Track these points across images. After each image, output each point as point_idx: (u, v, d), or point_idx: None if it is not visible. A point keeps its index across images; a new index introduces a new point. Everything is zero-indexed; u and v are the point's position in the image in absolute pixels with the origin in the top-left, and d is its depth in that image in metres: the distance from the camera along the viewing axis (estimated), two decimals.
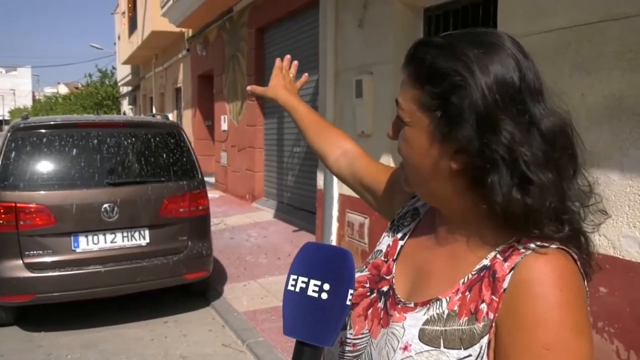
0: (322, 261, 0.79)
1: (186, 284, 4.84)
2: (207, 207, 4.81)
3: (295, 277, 0.79)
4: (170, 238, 4.55)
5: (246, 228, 7.89)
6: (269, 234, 7.47)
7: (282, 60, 1.41)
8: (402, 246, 0.94)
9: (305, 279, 0.78)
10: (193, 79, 13.17)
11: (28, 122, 4.46)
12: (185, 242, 4.61)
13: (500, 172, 0.73)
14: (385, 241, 0.98)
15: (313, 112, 1.31)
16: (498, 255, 0.77)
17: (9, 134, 4.34)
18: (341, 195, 5.41)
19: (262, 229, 7.81)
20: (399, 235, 0.96)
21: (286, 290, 0.79)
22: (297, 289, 0.78)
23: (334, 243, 5.60)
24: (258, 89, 1.38)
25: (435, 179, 0.80)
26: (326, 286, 0.76)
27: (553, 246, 0.74)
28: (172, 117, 15.84)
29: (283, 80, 1.36)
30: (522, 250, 0.74)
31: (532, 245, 0.74)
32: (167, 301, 5.00)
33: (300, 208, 7.98)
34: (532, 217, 0.74)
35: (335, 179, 5.46)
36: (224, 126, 10.87)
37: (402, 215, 0.99)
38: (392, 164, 4.54)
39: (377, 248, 0.98)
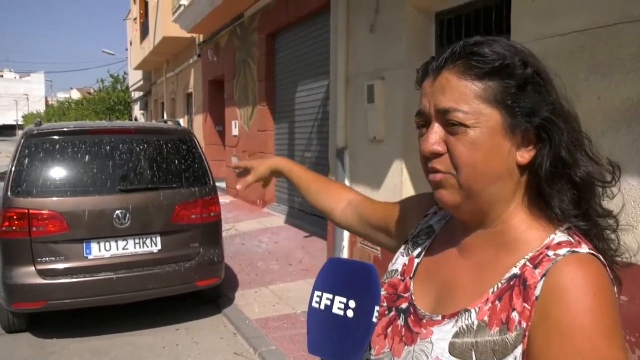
0: (347, 277, 0.77)
1: (197, 291, 4.83)
2: (219, 214, 4.80)
3: (320, 294, 0.77)
4: (182, 245, 4.55)
5: (257, 234, 7.88)
6: (281, 240, 7.46)
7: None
8: (418, 264, 0.92)
9: (331, 296, 0.76)
10: (204, 85, 13.22)
11: (41, 128, 4.49)
12: (197, 248, 4.60)
13: (572, 155, 0.77)
14: (400, 261, 0.96)
15: (308, 171, 1.32)
16: (528, 263, 0.75)
17: (22, 141, 4.37)
18: None
19: (273, 234, 7.80)
20: (415, 253, 0.94)
21: (311, 308, 0.77)
22: (322, 307, 0.76)
23: (345, 249, 5.56)
24: (250, 180, 1.35)
25: (500, 179, 0.78)
26: (352, 304, 0.75)
27: (583, 251, 0.73)
28: (183, 122, 15.91)
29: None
30: (553, 257, 0.73)
31: (563, 252, 0.73)
32: (179, 308, 4.99)
33: (312, 214, 7.95)
34: (582, 205, 0.78)
35: (347, 184, 5.43)
36: (235, 131, 10.89)
37: (415, 234, 0.97)
38: (404, 170, 4.50)
39: (392, 268, 0.96)
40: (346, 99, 5.24)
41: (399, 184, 4.55)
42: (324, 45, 6.32)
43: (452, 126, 0.77)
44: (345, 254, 5.58)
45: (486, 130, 0.76)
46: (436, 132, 0.79)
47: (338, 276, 0.78)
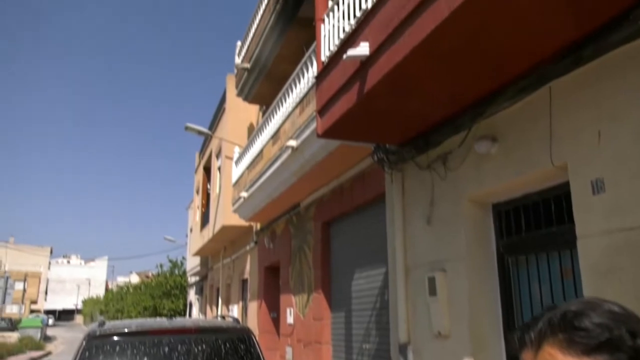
0: None
1: None
2: None
3: None
4: None
5: None
6: None
7: None
8: None
9: None
10: (260, 270, 13.42)
11: (104, 329, 4.52)
12: None
13: None
14: None
15: None
16: None
17: (84, 342, 4.38)
18: None
19: None
20: None
21: None
22: None
23: None
24: None
25: None
26: None
27: None
28: (237, 308, 15.86)
29: None
30: None
31: None
32: None
33: None
34: None
35: None
36: (290, 319, 10.68)
37: None
38: None
39: None
40: (406, 291, 5.13)
41: None
42: (380, 232, 6.41)
43: None
44: None
45: None
46: None
47: None
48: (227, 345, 4.56)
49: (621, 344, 0.73)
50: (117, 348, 4.33)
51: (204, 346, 4.49)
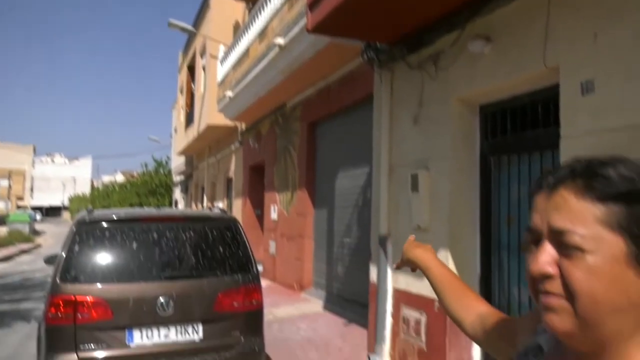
0: None
1: None
2: (261, 302, 4.74)
3: None
4: (224, 333, 4.47)
5: (295, 320, 7.70)
6: (319, 327, 7.26)
7: None
8: None
9: None
10: (245, 170, 13.57)
11: (93, 216, 4.62)
12: (238, 337, 4.51)
13: None
14: None
15: (445, 272, 1.27)
16: None
17: (74, 228, 4.49)
18: (396, 290, 5.24)
19: (311, 321, 7.61)
20: None
21: None
22: None
23: (387, 340, 5.36)
24: (400, 264, 1.41)
25: (621, 312, 0.71)
26: None
27: None
28: (222, 205, 16.19)
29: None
30: None
31: None
32: None
33: (351, 300, 7.77)
34: None
35: (389, 272, 5.33)
36: (274, 215, 10.99)
37: (522, 353, 0.91)
38: (449, 260, 4.40)
39: None
40: (389, 187, 5.27)
41: None
42: (365, 133, 6.47)
43: (566, 248, 0.72)
44: (387, 345, 5.37)
45: (607, 258, 0.70)
46: (548, 252, 0.74)
47: None
48: (214, 232, 4.72)
49: None
50: (107, 234, 4.45)
51: (191, 233, 4.64)
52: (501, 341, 1.06)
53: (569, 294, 0.72)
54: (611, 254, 0.70)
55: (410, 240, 1.39)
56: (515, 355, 0.92)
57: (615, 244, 0.70)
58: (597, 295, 0.70)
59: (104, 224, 4.52)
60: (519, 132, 4.12)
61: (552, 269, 0.73)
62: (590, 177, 0.73)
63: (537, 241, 0.76)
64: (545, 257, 0.74)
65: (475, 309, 1.17)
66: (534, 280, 0.76)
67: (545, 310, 0.75)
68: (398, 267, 1.39)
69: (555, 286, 0.73)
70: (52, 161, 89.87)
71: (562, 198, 0.74)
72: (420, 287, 4.74)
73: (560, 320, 0.73)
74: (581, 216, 0.72)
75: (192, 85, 19.51)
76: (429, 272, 1.26)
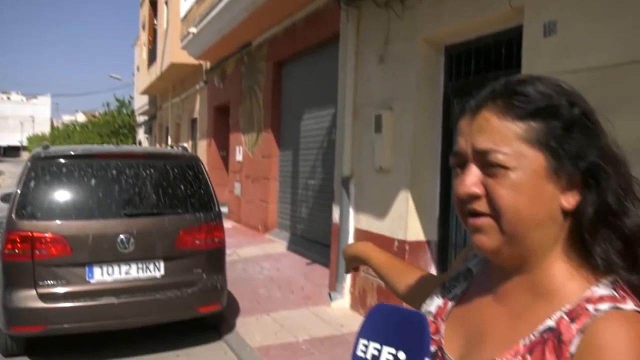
0: (396, 326, 0.73)
1: (199, 317, 4.76)
2: (223, 240, 4.77)
3: (365, 342, 0.73)
4: (185, 270, 4.50)
5: (259, 260, 7.81)
6: (282, 267, 7.39)
7: None
8: (453, 306, 0.89)
9: (378, 346, 0.72)
10: (209, 110, 13.32)
11: (49, 152, 4.48)
12: (200, 274, 4.55)
13: (620, 203, 0.73)
14: (434, 302, 0.92)
15: (388, 257, 1.26)
16: (564, 316, 0.70)
17: (29, 164, 4.36)
18: (357, 230, 5.34)
19: (275, 261, 7.73)
20: (450, 295, 0.90)
21: (355, 356, 0.73)
22: (369, 356, 0.72)
23: (348, 278, 5.50)
24: (347, 268, 1.38)
25: (542, 225, 0.74)
26: (401, 355, 0.70)
27: (628, 308, 0.68)
28: (187, 146, 15.98)
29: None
30: (593, 312, 0.68)
31: (605, 307, 0.68)
32: (179, 334, 4.92)
33: (314, 241, 7.91)
34: (631, 257, 0.73)
35: (351, 213, 5.41)
36: (239, 157, 10.91)
37: (453, 277, 0.94)
38: (410, 200, 4.48)
39: (426, 309, 0.92)
40: (353, 128, 5.26)
41: (404, 214, 4.52)
42: (331, 74, 6.38)
43: (490, 168, 0.74)
44: (347, 283, 5.53)
45: (528, 173, 0.72)
46: (473, 173, 0.75)
47: (386, 324, 0.73)
48: (176, 170, 4.67)
49: (558, 112, 0.73)
50: (64, 170, 4.34)
51: (152, 171, 4.57)
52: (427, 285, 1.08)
53: (495, 211, 0.74)
54: (532, 169, 0.73)
55: (348, 244, 1.39)
56: (447, 280, 0.95)
57: (535, 159, 0.73)
58: (521, 210, 0.73)
59: (61, 160, 4.41)
60: (482, 74, 4.13)
61: (478, 189, 0.75)
62: (509, 96, 0.74)
63: (463, 164, 0.78)
64: (471, 179, 0.75)
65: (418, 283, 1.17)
66: (462, 202, 0.77)
67: (474, 232, 0.77)
68: (348, 272, 1.38)
69: (482, 205, 0.75)
70: (8, 99, 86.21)
71: (485, 119, 0.75)
72: (382, 227, 4.84)
73: (488, 239, 0.76)
74: (503, 135, 0.73)
75: (155, 21, 18.72)
76: (371, 261, 1.25)
